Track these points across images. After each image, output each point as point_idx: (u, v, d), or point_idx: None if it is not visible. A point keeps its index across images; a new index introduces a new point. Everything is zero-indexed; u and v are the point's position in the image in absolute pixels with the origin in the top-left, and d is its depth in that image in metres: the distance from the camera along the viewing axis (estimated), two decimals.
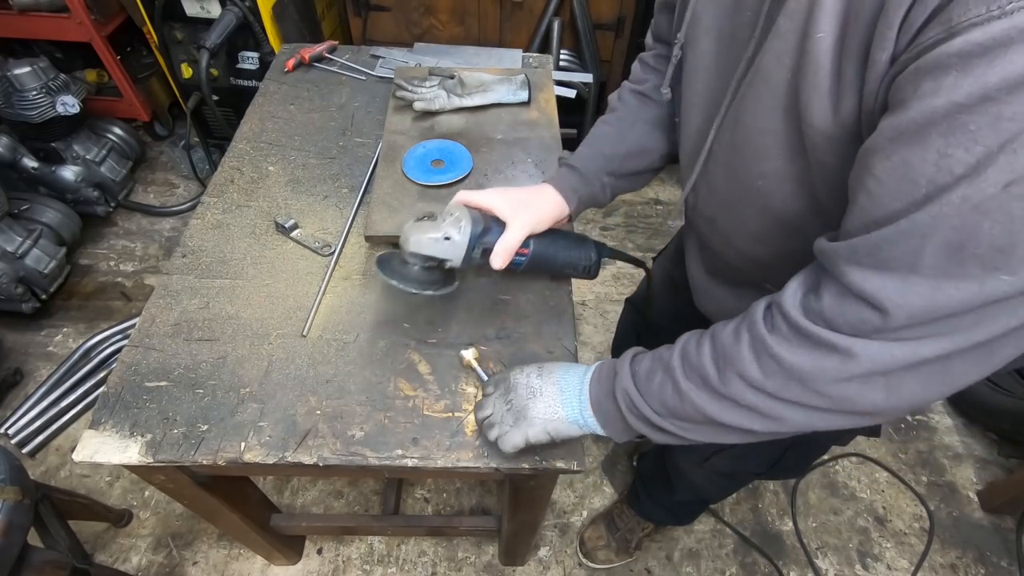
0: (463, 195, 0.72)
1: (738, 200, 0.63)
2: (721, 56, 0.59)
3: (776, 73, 0.50)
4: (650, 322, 1.18)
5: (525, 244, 0.72)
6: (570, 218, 0.80)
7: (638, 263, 0.89)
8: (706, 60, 0.61)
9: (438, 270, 0.71)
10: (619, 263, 1.46)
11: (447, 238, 0.67)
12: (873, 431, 0.83)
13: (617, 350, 1.46)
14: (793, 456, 0.92)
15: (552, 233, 0.77)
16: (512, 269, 0.73)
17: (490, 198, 0.71)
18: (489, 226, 0.69)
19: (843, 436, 0.86)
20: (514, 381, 0.67)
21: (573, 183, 0.78)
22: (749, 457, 0.95)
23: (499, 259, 0.69)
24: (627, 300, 1.33)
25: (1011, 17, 0.32)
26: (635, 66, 0.84)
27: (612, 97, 0.85)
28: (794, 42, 0.47)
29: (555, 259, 0.77)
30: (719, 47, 0.59)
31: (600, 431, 0.63)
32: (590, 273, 0.81)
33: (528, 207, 0.72)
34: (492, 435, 0.66)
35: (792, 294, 0.48)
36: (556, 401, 0.64)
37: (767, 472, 0.99)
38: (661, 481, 1.24)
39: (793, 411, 0.49)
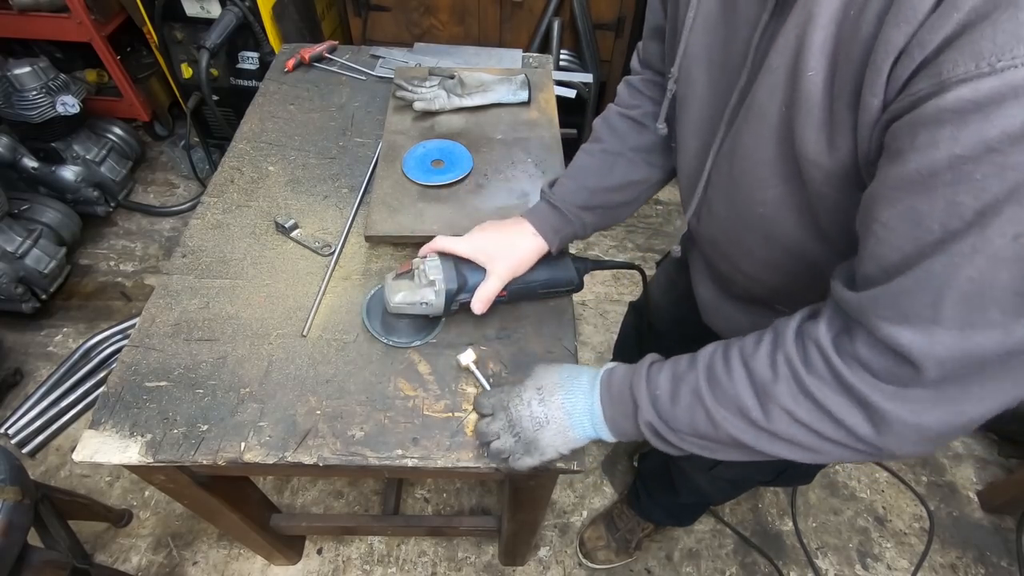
0: (440, 242, 0.74)
1: (741, 227, 0.63)
2: (714, 86, 0.60)
3: (770, 107, 0.50)
4: (652, 326, 1.18)
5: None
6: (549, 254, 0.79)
7: (630, 267, 0.89)
8: (700, 90, 0.62)
9: (423, 317, 0.78)
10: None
11: (424, 303, 0.72)
12: None
13: (619, 353, 1.45)
14: (801, 465, 0.92)
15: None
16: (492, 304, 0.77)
17: (467, 248, 0.73)
18: (465, 282, 0.73)
19: None
20: (516, 415, 0.65)
21: (554, 223, 0.77)
22: (757, 466, 0.93)
23: (479, 306, 0.74)
24: (630, 304, 1.33)
25: (1001, 75, 0.32)
26: (621, 89, 0.82)
27: (597, 123, 0.82)
28: (785, 78, 0.47)
29: (535, 292, 0.79)
30: (711, 77, 0.60)
31: (613, 440, 0.64)
32: (573, 290, 0.83)
33: (506, 256, 0.74)
34: (502, 463, 0.66)
35: (825, 332, 0.47)
36: (565, 426, 0.63)
37: (774, 480, 0.98)
38: (663, 483, 1.24)
39: (833, 447, 0.49)
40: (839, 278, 0.48)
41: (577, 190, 0.78)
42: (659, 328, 1.15)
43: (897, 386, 0.43)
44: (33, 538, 1.05)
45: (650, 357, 0.62)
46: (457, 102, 1.06)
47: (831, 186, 0.49)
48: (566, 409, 0.63)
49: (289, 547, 1.34)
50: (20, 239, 1.70)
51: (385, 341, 0.79)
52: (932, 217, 0.38)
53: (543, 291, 0.80)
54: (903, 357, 0.42)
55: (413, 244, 0.90)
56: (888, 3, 0.39)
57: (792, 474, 0.95)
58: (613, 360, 1.51)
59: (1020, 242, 0.35)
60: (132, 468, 0.72)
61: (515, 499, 0.96)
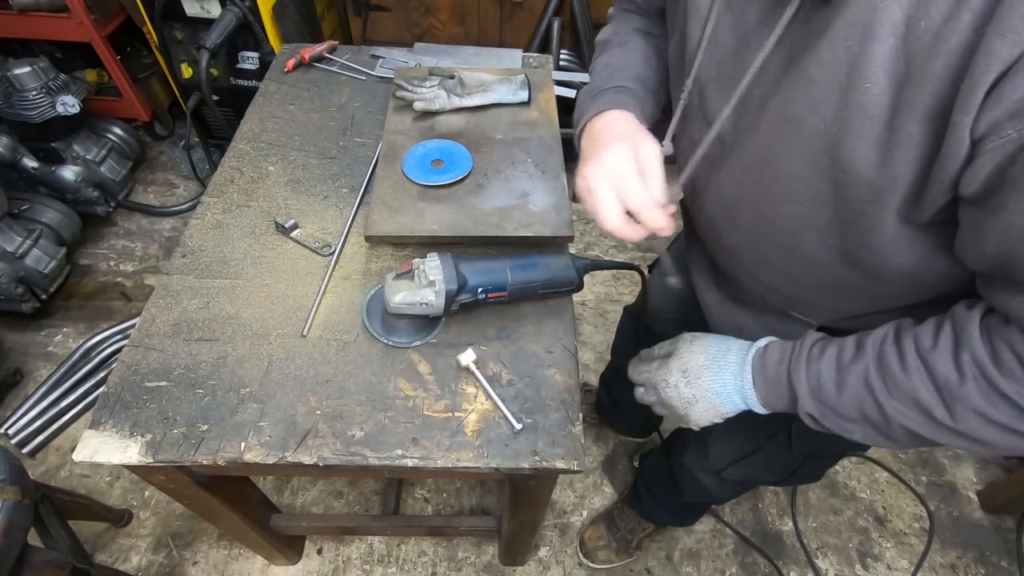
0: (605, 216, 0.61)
1: (763, 237, 0.61)
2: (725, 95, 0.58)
3: (809, 121, 0.48)
4: (650, 328, 1.17)
5: (501, 288, 0.76)
6: None
7: (630, 267, 0.89)
8: (713, 106, 0.60)
9: (423, 317, 0.77)
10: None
11: (424, 303, 0.72)
12: None
13: (617, 356, 1.45)
14: (812, 465, 0.91)
15: (529, 265, 0.78)
16: (491, 304, 0.78)
17: (609, 196, 0.60)
18: (465, 282, 0.73)
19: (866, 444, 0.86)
20: (666, 396, 0.68)
21: (642, 109, 0.71)
22: (767, 467, 0.93)
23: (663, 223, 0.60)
24: (625, 309, 1.32)
25: None
26: (609, 26, 0.80)
27: (607, 32, 0.79)
28: (834, 92, 0.45)
29: (535, 292, 0.79)
30: (721, 87, 0.58)
31: (768, 412, 0.63)
32: (573, 291, 0.83)
33: (636, 146, 0.62)
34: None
35: (1018, 332, 0.45)
36: (715, 403, 0.64)
37: (786, 480, 0.97)
38: (665, 483, 1.23)
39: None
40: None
41: (633, 79, 0.73)
42: (657, 330, 1.15)
43: None
44: (33, 538, 1.05)
45: (811, 336, 0.59)
46: (457, 102, 1.06)
47: (876, 204, 0.48)
48: (714, 390, 0.63)
49: (289, 547, 1.34)
50: (20, 239, 1.70)
51: (385, 341, 0.79)
52: None
53: (543, 291, 0.80)
54: None
55: (413, 244, 0.90)
56: (988, 11, 0.36)
57: (804, 474, 0.94)
58: (612, 359, 1.50)
59: None
60: (132, 468, 0.72)
61: (515, 499, 0.96)
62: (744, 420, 0.76)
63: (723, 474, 0.99)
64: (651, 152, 0.61)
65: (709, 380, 0.64)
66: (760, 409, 0.63)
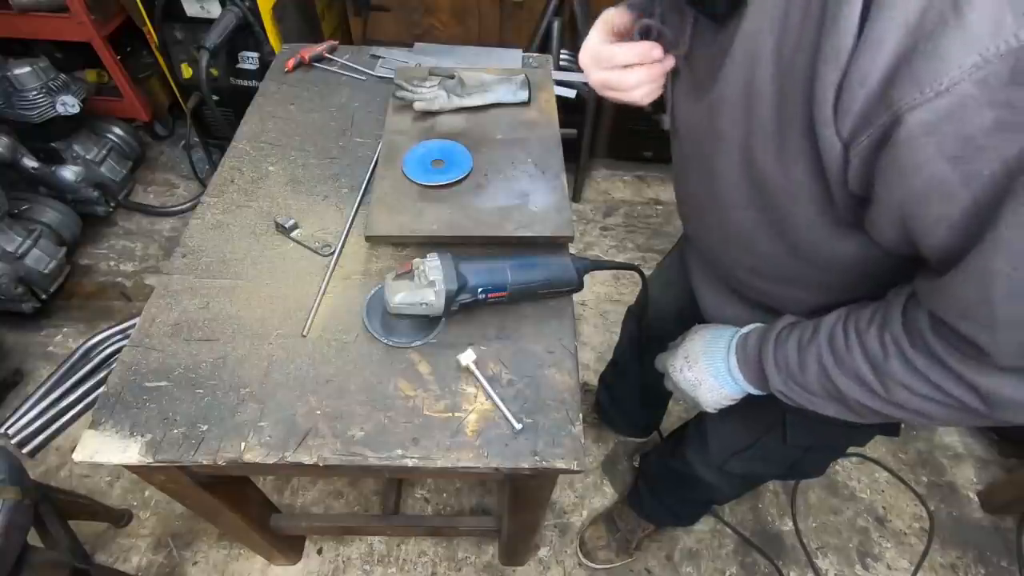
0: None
1: (726, 239, 0.68)
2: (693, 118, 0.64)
3: (733, 135, 0.54)
4: (650, 333, 1.17)
5: (502, 288, 0.76)
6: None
7: (630, 268, 0.89)
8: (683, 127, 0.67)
9: (423, 317, 0.77)
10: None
11: (424, 303, 0.72)
12: (892, 430, 0.83)
13: (619, 357, 1.45)
14: (812, 458, 0.92)
15: (529, 265, 0.79)
16: (491, 304, 0.79)
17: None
18: (465, 282, 0.74)
19: (862, 437, 0.86)
20: (675, 380, 0.75)
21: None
22: (768, 460, 0.94)
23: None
24: (628, 309, 1.33)
25: (949, 93, 0.36)
26: None
27: None
28: (740, 110, 0.51)
29: (535, 292, 0.80)
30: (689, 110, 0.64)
31: (763, 393, 0.68)
32: (573, 291, 0.83)
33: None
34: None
35: (924, 315, 0.49)
36: (715, 385, 0.70)
37: (787, 473, 0.99)
38: (668, 481, 1.23)
39: (960, 414, 0.50)
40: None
41: None
42: (657, 331, 1.15)
43: (989, 367, 0.45)
44: (33, 538, 1.05)
45: (783, 321, 0.65)
46: (457, 102, 1.06)
47: (797, 206, 0.53)
48: (711, 372, 0.70)
49: (289, 547, 1.34)
50: (20, 239, 1.70)
51: (385, 341, 0.79)
52: (963, 218, 0.40)
53: (543, 291, 0.80)
54: (976, 346, 0.44)
55: (413, 244, 0.90)
56: (815, 45, 0.42)
57: (805, 468, 0.96)
58: (613, 360, 1.50)
59: None
60: (132, 468, 0.72)
61: (515, 499, 0.96)
62: (740, 412, 0.77)
63: (725, 468, 1.00)
64: (611, 15, 0.69)
65: (706, 364, 0.70)
66: (752, 390, 0.68)
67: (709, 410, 0.74)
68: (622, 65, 0.64)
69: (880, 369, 0.52)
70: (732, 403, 0.73)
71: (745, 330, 0.69)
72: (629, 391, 1.44)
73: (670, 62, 0.64)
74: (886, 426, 0.82)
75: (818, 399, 0.60)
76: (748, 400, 0.71)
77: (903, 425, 0.73)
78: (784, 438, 0.85)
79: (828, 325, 0.58)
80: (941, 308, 0.46)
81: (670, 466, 1.19)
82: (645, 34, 0.65)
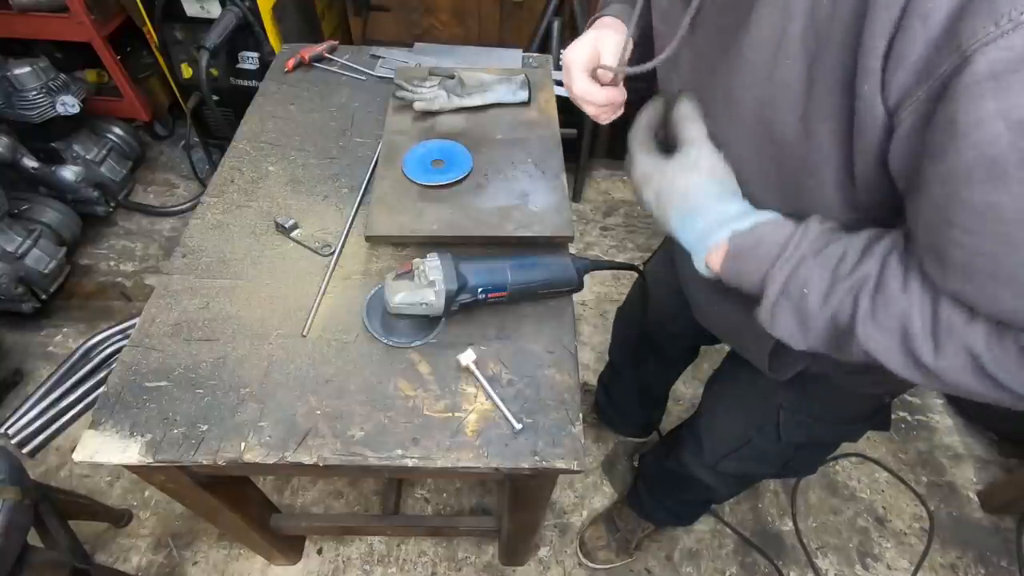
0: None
1: None
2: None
3: (745, 100, 0.50)
4: (647, 333, 1.17)
5: (502, 288, 0.76)
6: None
7: (630, 268, 0.89)
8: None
9: (423, 317, 0.77)
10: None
11: (424, 303, 0.72)
12: (883, 424, 0.83)
13: (613, 362, 1.45)
14: (804, 456, 0.92)
15: (529, 265, 0.79)
16: (491, 304, 0.79)
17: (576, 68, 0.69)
18: (465, 282, 0.73)
19: (857, 433, 0.86)
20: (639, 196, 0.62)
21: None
22: (761, 459, 0.94)
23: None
24: (618, 310, 1.32)
25: None
26: None
27: None
28: (762, 70, 0.47)
29: (535, 292, 0.80)
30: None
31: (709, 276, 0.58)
32: (573, 291, 0.83)
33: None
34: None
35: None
36: (671, 228, 0.59)
37: (781, 471, 0.98)
38: (665, 481, 1.23)
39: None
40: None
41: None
42: (656, 335, 1.15)
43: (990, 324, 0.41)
44: (33, 538, 1.05)
45: (815, 227, 0.50)
46: (457, 102, 1.06)
47: (813, 178, 0.49)
48: (678, 228, 0.58)
49: (289, 547, 1.34)
50: (20, 239, 1.70)
51: (385, 341, 0.79)
52: (1016, 210, 0.33)
53: (543, 291, 0.80)
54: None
55: (413, 244, 0.90)
56: None
57: (798, 466, 0.95)
58: (609, 361, 1.49)
59: None
60: (132, 468, 0.72)
61: (515, 499, 0.96)
62: (733, 413, 0.75)
63: (719, 468, 1.00)
64: (608, 38, 0.69)
65: (675, 223, 0.58)
66: (706, 271, 0.58)
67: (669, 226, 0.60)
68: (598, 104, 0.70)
69: (951, 329, 0.43)
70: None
71: (749, 225, 0.54)
72: (626, 392, 1.44)
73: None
74: (877, 421, 0.83)
75: (821, 330, 0.50)
76: (741, 401, 0.68)
77: (893, 421, 0.71)
78: (778, 436, 0.85)
79: (882, 254, 0.47)
80: (992, 310, 0.40)
81: (666, 467, 1.20)
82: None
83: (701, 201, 0.56)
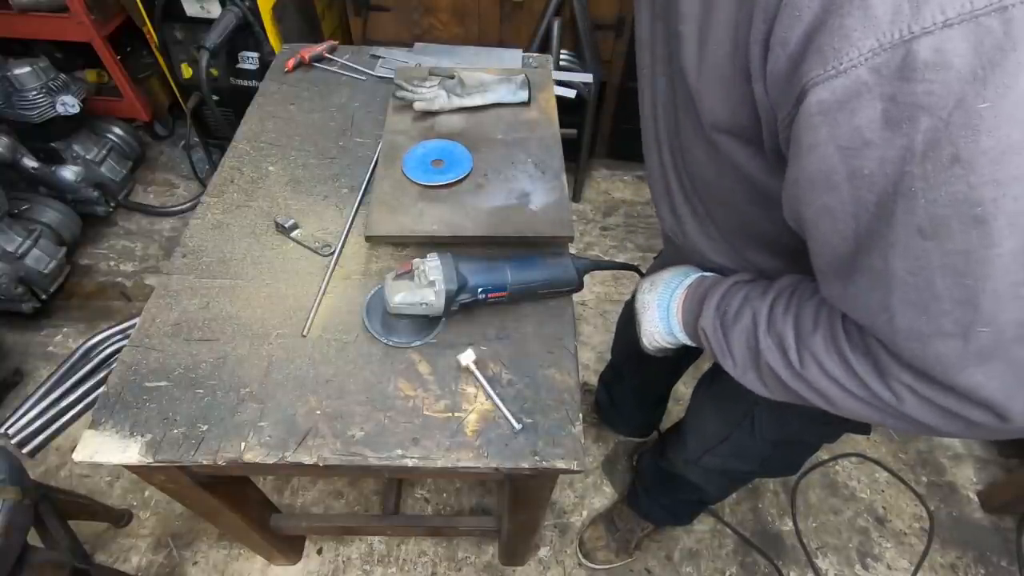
0: None
1: (715, 199, 0.66)
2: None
3: (687, 83, 0.53)
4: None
5: (502, 288, 0.76)
6: None
7: (630, 268, 0.89)
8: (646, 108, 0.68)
9: (423, 317, 0.77)
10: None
11: (424, 303, 0.72)
12: (862, 428, 0.83)
13: (615, 362, 1.45)
14: (782, 454, 0.93)
15: (529, 265, 0.79)
16: (491, 304, 0.79)
17: None
18: (465, 282, 0.73)
19: (833, 434, 0.87)
20: (636, 298, 0.76)
21: None
22: (739, 455, 0.96)
23: None
24: (623, 311, 1.32)
25: (847, 75, 0.35)
26: None
27: None
28: (694, 49, 0.50)
29: (535, 292, 0.80)
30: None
31: (692, 344, 0.69)
32: (573, 290, 0.83)
33: None
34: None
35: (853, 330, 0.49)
36: (656, 318, 0.72)
37: (760, 469, 1.00)
38: (659, 481, 1.24)
39: (859, 405, 0.50)
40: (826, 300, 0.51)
41: None
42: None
43: (904, 366, 0.44)
44: (33, 538, 1.05)
45: (747, 274, 0.64)
46: (457, 102, 1.06)
47: (752, 160, 0.51)
48: (659, 303, 0.71)
49: (289, 547, 1.34)
50: (20, 239, 1.70)
51: (385, 341, 0.79)
52: (844, 213, 0.40)
53: (543, 291, 0.80)
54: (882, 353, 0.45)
55: (413, 244, 0.90)
56: None
57: (776, 464, 0.97)
58: (610, 361, 1.51)
59: (925, 236, 0.36)
60: (132, 468, 0.72)
61: (515, 499, 0.96)
62: (714, 408, 0.76)
63: (701, 463, 1.02)
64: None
65: (660, 292, 0.72)
66: (679, 333, 0.70)
67: (644, 343, 0.75)
68: None
69: (804, 341, 0.52)
70: (666, 346, 0.74)
71: (708, 273, 0.69)
72: (627, 391, 1.44)
73: None
74: (854, 424, 0.83)
75: (737, 350, 0.59)
76: (721, 398, 0.70)
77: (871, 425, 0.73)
78: (754, 432, 0.86)
79: (778, 288, 0.57)
80: (848, 311, 0.46)
81: (659, 466, 1.21)
82: None
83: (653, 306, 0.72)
